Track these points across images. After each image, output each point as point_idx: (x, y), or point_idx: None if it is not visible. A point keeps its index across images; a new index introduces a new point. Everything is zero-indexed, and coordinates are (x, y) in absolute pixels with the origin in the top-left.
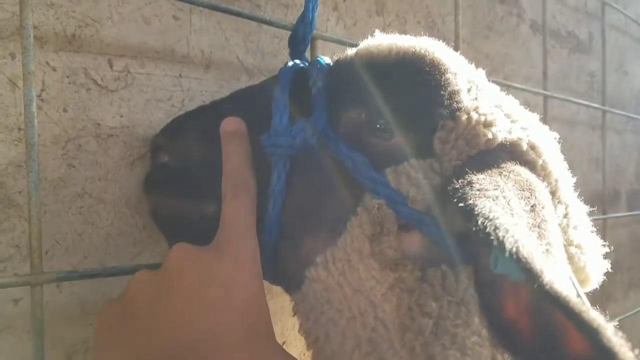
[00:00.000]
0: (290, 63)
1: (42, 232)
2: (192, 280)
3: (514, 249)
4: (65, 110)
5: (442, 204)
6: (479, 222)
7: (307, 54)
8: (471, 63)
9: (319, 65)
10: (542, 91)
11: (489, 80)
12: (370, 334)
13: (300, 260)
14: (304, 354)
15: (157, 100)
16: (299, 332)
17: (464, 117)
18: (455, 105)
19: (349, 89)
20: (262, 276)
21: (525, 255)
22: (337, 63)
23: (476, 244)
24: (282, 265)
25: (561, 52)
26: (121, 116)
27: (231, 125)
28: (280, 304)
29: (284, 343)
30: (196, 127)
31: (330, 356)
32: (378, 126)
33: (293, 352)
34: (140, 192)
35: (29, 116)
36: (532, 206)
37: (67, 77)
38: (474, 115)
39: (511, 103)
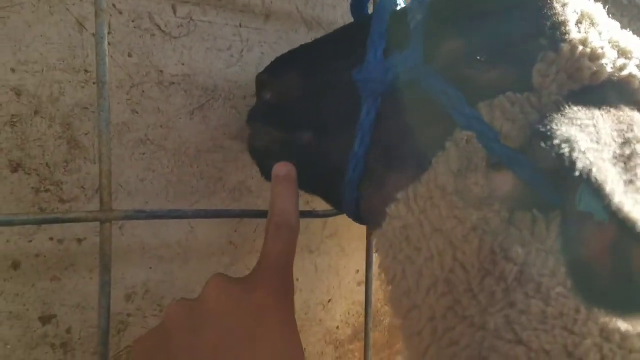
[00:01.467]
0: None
1: (111, 171)
2: (226, 312)
3: (596, 184)
4: (129, 55)
5: (537, 141)
6: (560, 146)
7: (370, 5)
8: None
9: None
10: None
11: None
12: (447, 274)
13: (383, 197)
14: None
15: (217, 50)
16: (378, 268)
17: (567, 48)
18: (559, 36)
19: (448, 19)
20: (294, 312)
21: (608, 193)
22: None
23: (565, 179)
24: (364, 202)
25: (621, 20)
26: (182, 64)
27: (282, 170)
28: (327, 262)
29: (329, 301)
30: (296, 66)
31: (406, 293)
32: (478, 58)
33: (337, 310)
34: (198, 141)
35: (101, 54)
36: (625, 139)
37: (132, 20)
38: (579, 47)
39: (632, 40)
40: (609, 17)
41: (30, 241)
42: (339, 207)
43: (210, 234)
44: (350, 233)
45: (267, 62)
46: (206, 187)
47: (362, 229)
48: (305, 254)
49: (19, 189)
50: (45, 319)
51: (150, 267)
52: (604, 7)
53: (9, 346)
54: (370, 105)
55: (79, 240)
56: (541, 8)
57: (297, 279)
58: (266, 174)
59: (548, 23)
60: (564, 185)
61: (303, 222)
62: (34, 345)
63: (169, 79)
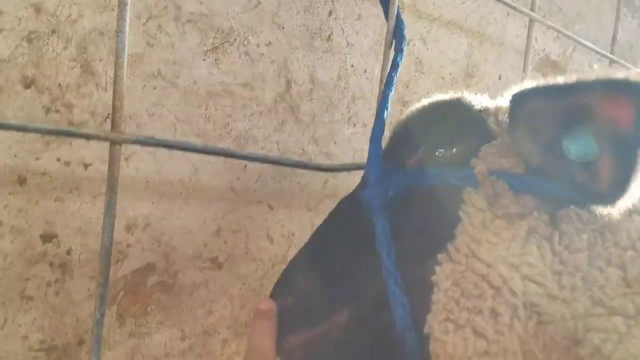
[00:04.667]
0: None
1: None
2: None
3: None
4: None
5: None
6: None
7: None
8: (544, 15)
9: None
10: (609, 55)
11: (560, 35)
12: (524, 298)
13: (425, 278)
14: None
15: None
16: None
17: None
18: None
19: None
20: None
21: None
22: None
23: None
24: (411, 303)
25: (632, 22)
26: (200, 3)
27: (264, 305)
28: None
29: None
30: (299, 263)
31: (485, 351)
32: (437, 153)
33: None
34: (209, 83)
35: None
36: None
37: None
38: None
39: None
40: (620, 17)
41: (38, 159)
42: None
43: (213, 178)
44: None
45: (284, 11)
46: (213, 130)
47: None
48: (304, 211)
49: (31, 106)
50: (46, 238)
51: (153, 202)
52: (618, 5)
53: (9, 259)
54: (383, 218)
55: (85, 165)
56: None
57: (293, 234)
58: None
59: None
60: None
61: (304, 177)
62: (34, 262)
63: (187, 16)
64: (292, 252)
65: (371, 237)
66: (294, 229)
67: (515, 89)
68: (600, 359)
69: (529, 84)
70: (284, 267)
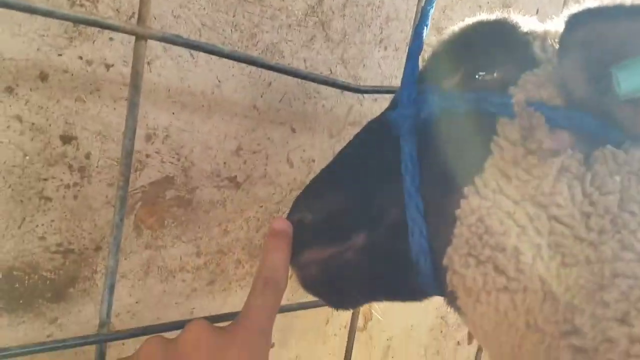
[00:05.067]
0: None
1: None
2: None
3: None
4: None
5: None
6: None
7: None
8: None
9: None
10: None
11: None
12: (549, 238)
13: (448, 210)
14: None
15: None
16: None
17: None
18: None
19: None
20: None
21: None
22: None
23: None
24: (430, 232)
25: None
26: None
27: (280, 224)
28: None
29: None
30: (325, 179)
31: (504, 287)
32: (477, 76)
33: None
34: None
35: None
36: None
37: None
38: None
39: None
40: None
41: (60, 55)
42: (415, 292)
43: (236, 92)
44: None
45: None
46: (239, 40)
47: None
48: (326, 137)
49: None
50: (66, 139)
51: (174, 113)
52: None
53: (28, 157)
54: (410, 142)
55: (107, 66)
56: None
57: (313, 161)
58: (337, 303)
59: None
60: None
61: (329, 100)
62: (53, 163)
63: None
64: (311, 173)
65: (397, 160)
66: (314, 154)
67: (574, 9)
68: (626, 306)
69: (589, 3)
70: None
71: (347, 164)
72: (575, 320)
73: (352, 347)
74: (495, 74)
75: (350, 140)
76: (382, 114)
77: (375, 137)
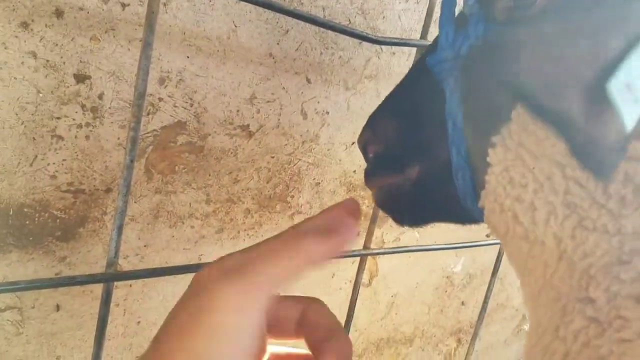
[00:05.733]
0: None
1: None
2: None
3: None
4: None
5: None
6: None
7: None
8: None
9: None
10: None
11: None
12: (564, 197)
13: (484, 155)
14: None
15: None
16: (489, 229)
17: None
18: None
19: None
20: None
21: None
22: None
23: None
24: (472, 175)
25: None
26: None
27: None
28: (360, 104)
29: (352, 144)
30: (384, 109)
31: (524, 236)
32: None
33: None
34: None
35: None
36: None
37: None
38: None
39: None
40: None
41: None
42: (463, 216)
43: (253, 39)
44: (390, 80)
45: None
46: None
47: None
48: (341, 89)
49: None
50: (79, 78)
51: (188, 57)
52: None
53: (41, 95)
54: (452, 85)
55: (123, 5)
56: None
57: (327, 113)
58: (407, 220)
59: None
60: None
61: (346, 51)
62: (66, 101)
63: None
64: (324, 131)
65: (441, 104)
66: (329, 107)
67: None
68: None
69: None
70: (313, 145)
71: (400, 103)
72: (590, 291)
73: (356, 299)
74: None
75: (399, 83)
76: (423, 56)
77: (419, 81)
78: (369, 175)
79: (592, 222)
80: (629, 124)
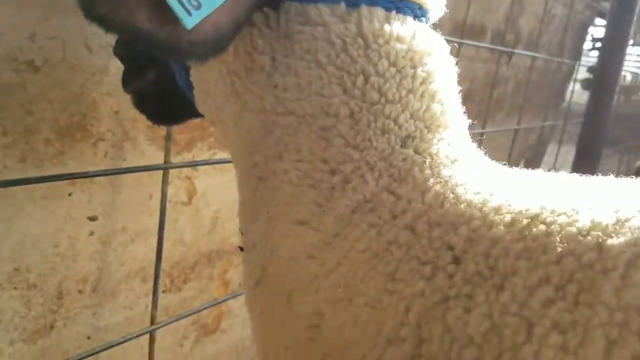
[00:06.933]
0: None
1: None
2: None
3: None
4: None
5: None
6: None
7: None
8: None
9: None
10: None
11: None
12: (229, 88)
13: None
14: None
15: None
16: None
17: None
18: None
19: None
20: None
21: None
22: None
23: None
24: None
25: None
26: None
27: None
28: None
29: None
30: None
31: (216, 108)
32: None
33: None
34: None
35: None
36: None
37: None
38: None
39: None
40: None
41: None
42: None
43: None
44: None
45: None
46: None
47: None
48: None
49: None
50: None
51: None
52: None
53: None
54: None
55: None
56: None
57: (112, 45)
58: (157, 118)
59: None
60: None
61: None
62: None
63: None
64: (112, 63)
65: None
66: (112, 40)
67: None
68: (281, 148)
69: None
70: (104, 77)
71: None
72: (255, 157)
73: (165, 217)
74: None
75: None
76: None
77: None
78: (123, 82)
79: (250, 104)
80: None
